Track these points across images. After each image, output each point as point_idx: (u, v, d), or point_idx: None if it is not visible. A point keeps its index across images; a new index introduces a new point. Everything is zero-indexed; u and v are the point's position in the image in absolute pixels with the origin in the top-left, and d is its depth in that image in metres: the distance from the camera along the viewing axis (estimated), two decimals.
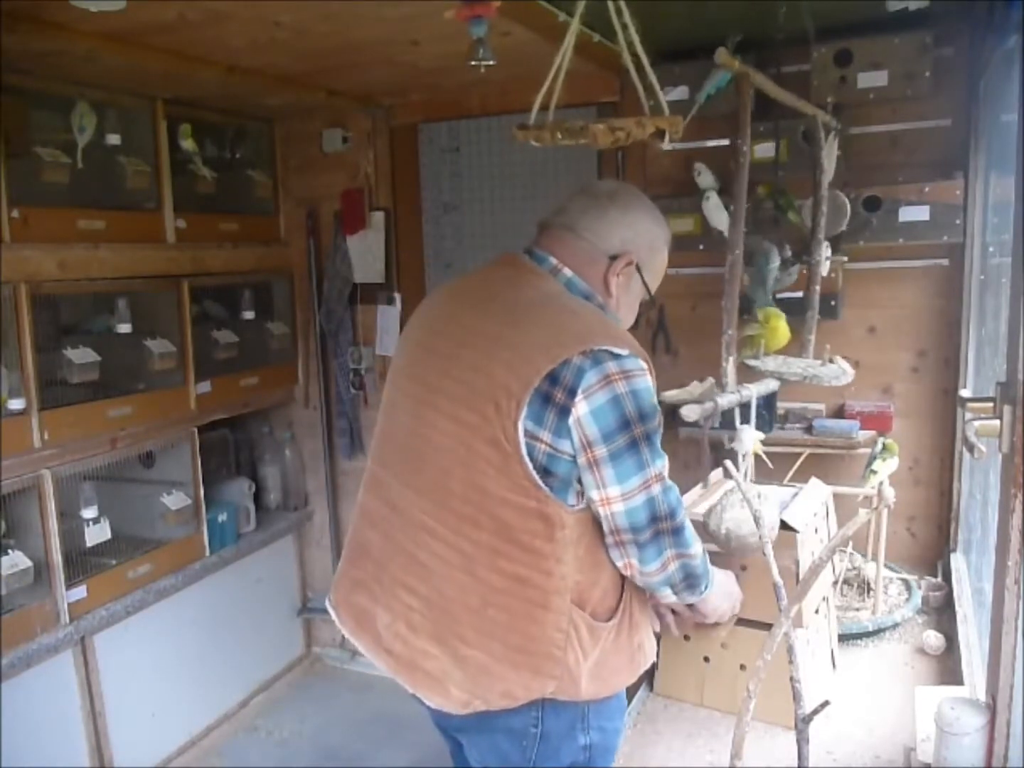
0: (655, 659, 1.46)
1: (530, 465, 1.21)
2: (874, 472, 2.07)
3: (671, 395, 1.87)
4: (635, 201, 1.41)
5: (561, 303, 1.30)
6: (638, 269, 1.40)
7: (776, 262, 2.06)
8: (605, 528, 1.27)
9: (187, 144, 2.68)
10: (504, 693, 1.26)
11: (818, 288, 2.04)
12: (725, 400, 1.56)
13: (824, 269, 2.11)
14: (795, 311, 2.07)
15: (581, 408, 1.19)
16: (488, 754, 1.34)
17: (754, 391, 1.68)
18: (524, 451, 1.20)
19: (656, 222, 1.43)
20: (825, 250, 2.09)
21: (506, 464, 1.21)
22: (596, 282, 1.37)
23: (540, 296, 1.31)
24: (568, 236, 1.37)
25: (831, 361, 1.97)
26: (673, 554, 1.29)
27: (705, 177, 2.36)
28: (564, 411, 1.19)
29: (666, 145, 1.32)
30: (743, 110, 1.59)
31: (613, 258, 1.37)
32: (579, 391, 1.19)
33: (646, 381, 1.24)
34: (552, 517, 1.22)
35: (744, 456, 1.65)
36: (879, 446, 2.13)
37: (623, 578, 1.34)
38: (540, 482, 1.21)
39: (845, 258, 2.17)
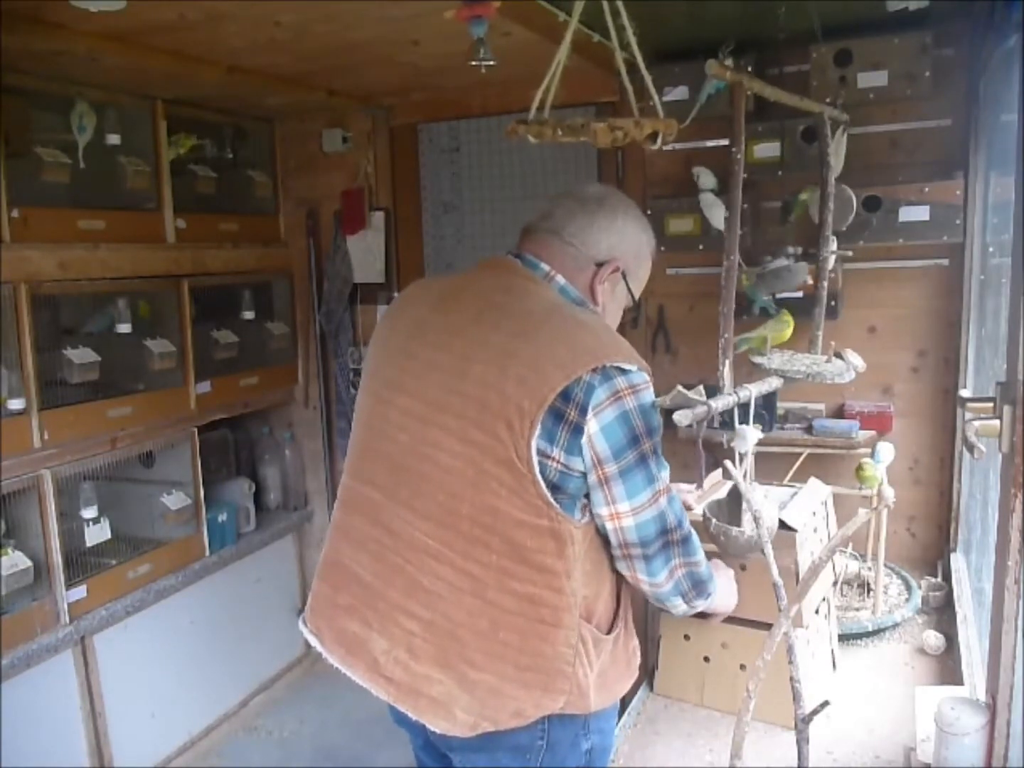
0: (655, 659, 1.46)
1: (543, 484, 1.19)
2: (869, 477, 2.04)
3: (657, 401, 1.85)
4: (623, 207, 1.39)
5: (567, 314, 1.27)
6: (623, 276, 1.38)
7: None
8: (613, 541, 1.27)
9: (184, 149, 2.70)
10: (515, 712, 1.23)
11: (826, 284, 2.03)
12: (720, 403, 1.55)
13: (829, 263, 2.10)
14: (796, 310, 2.07)
15: (592, 426, 1.18)
16: None
17: (753, 391, 1.67)
18: (537, 470, 1.18)
19: (643, 229, 1.41)
20: (831, 244, 2.08)
21: (519, 484, 1.19)
22: (584, 289, 1.35)
23: (545, 306, 1.28)
24: (555, 241, 1.34)
25: (838, 356, 1.96)
26: (680, 563, 1.30)
27: (705, 179, 2.36)
28: (577, 429, 1.18)
29: (657, 147, 1.31)
30: (736, 117, 1.58)
31: (599, 265, 1.35)
32: (590, 408, 1.17)
33: (651, 394, 1.24)
34: (563, 534, 1.21)
35: (744, 455, 1.64)
36: (877, 454, 2.09)
37: (619, 587, 1.34)
38: (553, 500, 1.20)
39: (850, 253, 2.17)
